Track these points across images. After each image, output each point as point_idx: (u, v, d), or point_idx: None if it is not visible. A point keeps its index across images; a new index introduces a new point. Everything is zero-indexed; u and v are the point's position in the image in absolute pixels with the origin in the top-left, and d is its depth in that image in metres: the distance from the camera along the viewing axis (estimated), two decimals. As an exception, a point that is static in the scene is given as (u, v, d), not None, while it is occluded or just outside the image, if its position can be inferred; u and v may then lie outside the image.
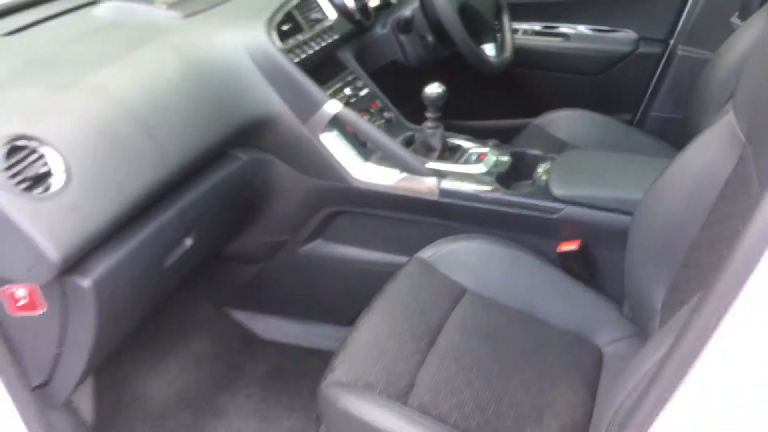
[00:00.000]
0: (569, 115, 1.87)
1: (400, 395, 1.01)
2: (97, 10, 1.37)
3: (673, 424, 0.57)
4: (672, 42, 1.95)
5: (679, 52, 1.90)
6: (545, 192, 1.31)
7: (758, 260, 0.48)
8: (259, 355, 1.67)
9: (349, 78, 1.56)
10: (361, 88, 1.56)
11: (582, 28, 2.05)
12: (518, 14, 2.04)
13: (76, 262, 0.96)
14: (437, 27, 1.64)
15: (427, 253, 1.31)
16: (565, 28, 2.06)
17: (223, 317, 1.73)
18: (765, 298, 0.49)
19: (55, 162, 0.92)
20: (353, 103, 1.49)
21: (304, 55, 1.41)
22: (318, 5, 1.58)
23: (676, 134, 1.67)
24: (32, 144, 0.91)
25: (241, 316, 1.74)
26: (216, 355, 1.66)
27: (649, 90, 2.01)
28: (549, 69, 2.09)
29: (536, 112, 1.92)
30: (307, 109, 1.35)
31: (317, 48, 1.48)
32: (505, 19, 1.85)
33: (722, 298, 0.51)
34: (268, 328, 1.72)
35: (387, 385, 1.02)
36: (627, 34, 1.99)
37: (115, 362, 1.48)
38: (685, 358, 0.55)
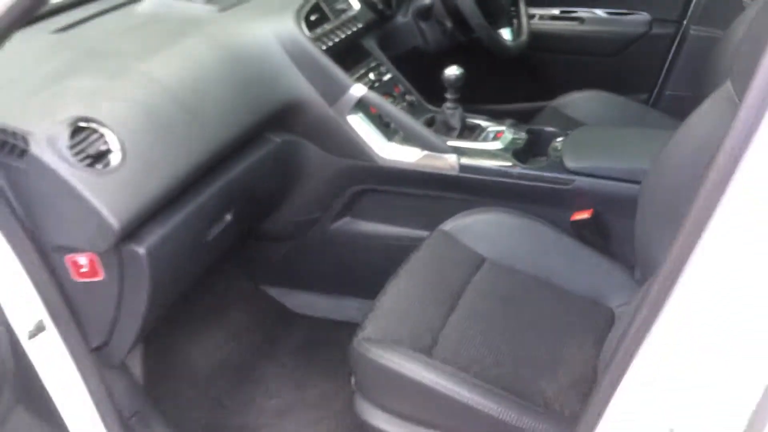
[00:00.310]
0: (585, 96, 1.94)
1: (425, 350, 1.10)
2: (140, 7, 1.48)
3: (647, 360, 0.65)
4: (685, 22, 2.00)
5: (692, 32, 1.95)
6: (559, 165, 1.39)
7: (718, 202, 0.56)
8: (293, 328, 1.78)
9: (373, 64, 1.66)
10: (385, 73, 1.66)
11: (597, 12, 2.11)
12: (536, 0, 2.12)
13: (131, 232, 1.07)
14: (455, 13, 1.73)
15: (449, 225, 1.40)
16: (580, 12, 2.13)
17: (260, 293, 1.84)
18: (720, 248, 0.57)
19: (112, 141, 1.03)
20: (377, 87, 1.58)
21: (330, 43, 1.51)
22: (343, -4, 1.68)
23: (691, 112, 1.72)
24: (92, 125, 1.03)
25: (276, 292, 1.84)
26: (253, 328, 1.77)
27: (664, 70, 2.06)
28: (565, 52, 2.16)
29: (553, 94, 1.99)
30: (334, 93, 1.44)
31: (343, 36, 1.57)
32: (521, 4, 1.93)
33: (683, 247, 0.59)
34: (300, 303, 1.83)
35: (412, 341, 1.11)
36: (641, 16, 2.05)
37: (162, 333, 1.59)
38: (654, 303, 0.63)
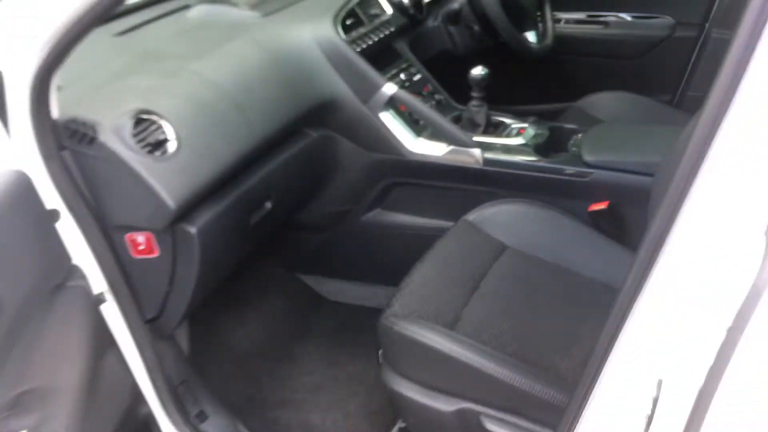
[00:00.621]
0: (609, 96, 2.00)
1: (448, 325, 1.20)
2: (191, 13, 1.61)
3: (636, 321, 0.74)
4: (707, 26, 2.06)
5: (714, 35, 2.01)
6: (577, 159, 1.48)
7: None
8: (326, 313, 1.89)
9: (404, 65, 1.76)
10: (415, 74, 1.76)
11: (622, 16, 2.18)
12: (562, 4, 2.20)
13: (184, 213, 1.19)
14: (482, 17, 1.82)
15: (473, 215, 1.49)
16: (605, 17, 2.20)
17: (296, 281, 1.96)
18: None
19: (169, 131, 1.16)
20: (407, 87, 1.69)
21: (364, 45, 1.62)
22: (377, 2, 1.80)
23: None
24: (152, 117, 1.15)
25: (311, 280, 1.96)
26: (289, 313, 1.89)
27: (687, 71, 2.12)
28: (590, 55, 2.23)
29: (578, 95, 2.05)
30: (367, 91, 1.55)
31: (376, 39, 1.68)
32: (547, 9, 2.01)
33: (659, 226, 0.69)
34: (333, 290, 1.94)
35: (436, 317, 1.21)
36: (664, 20, 2.12)
37: (205, 315, 1.72)
38: (642, 267, 0.72)
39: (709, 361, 0.60)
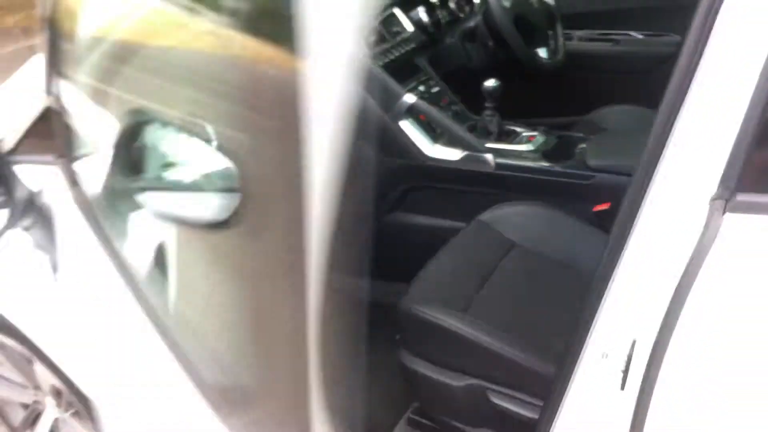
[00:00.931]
0: (618, 110, 2.10)
1: (459, 309, 1.32)
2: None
3: (613, 292, 0.86)
4: (711, 43, 2.17)
5: (717, 51, 2.11)
6: (582, 164, 1.60)
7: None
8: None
9: (423, 78, 1.91)
10: (433, 86, 1.90)
11: (632, 34, 2.30)
12: (574, 23, 2.32)
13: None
14: (496, 34, 1.96)
15: (485, 216, 1.61)
16: (615, 35, 2.32)
17: (320, 279, 2.09)
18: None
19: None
20: (426, 99, 1.82)
21: (387, 60, 1.77)
22: (399, 21, 1.95)
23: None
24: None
25: (334, 279, 2.09)
26: (314, 309, 2.02)
27: (692, 86, 2.22)
28: (600, 70, 2.35)
29: (589, 110, 2.15)
30: (389, 102, 1.70)
31: (398, 54, 1.83)
32: (558, 27, 2.14)
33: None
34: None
35: (449, 302, 1.33)
36: (671, 38, 2.23)
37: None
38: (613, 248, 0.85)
39: (662, 315, 0.72)
